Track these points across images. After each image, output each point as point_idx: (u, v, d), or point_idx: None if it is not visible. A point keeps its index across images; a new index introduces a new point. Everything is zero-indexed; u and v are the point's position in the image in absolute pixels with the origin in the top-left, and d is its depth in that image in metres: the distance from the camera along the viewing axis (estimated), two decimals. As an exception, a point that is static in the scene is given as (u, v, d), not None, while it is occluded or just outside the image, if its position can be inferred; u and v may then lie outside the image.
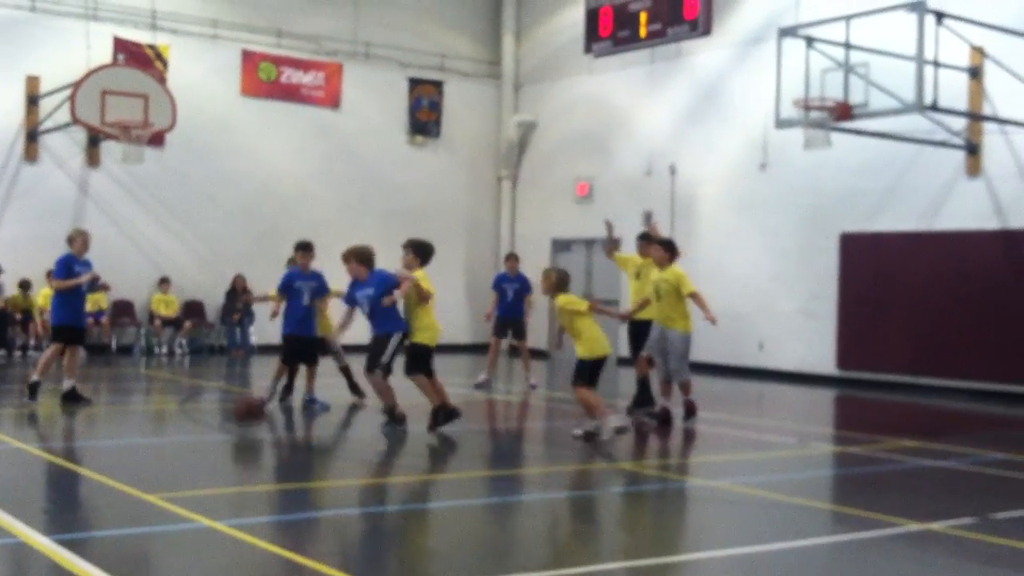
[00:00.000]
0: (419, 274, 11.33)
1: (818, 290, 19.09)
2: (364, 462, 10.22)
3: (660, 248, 12.82)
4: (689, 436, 12.07)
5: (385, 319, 11.24)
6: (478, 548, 7.05)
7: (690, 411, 12.65)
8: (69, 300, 13.02)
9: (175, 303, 21.48)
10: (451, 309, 23.54)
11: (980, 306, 16.92)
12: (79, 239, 13.13)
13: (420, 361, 11.29)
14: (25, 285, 20.01)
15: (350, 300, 11.54)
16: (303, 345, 13.16)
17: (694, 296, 12.56)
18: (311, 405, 13.09)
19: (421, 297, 11.22)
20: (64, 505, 8.11)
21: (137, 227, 21.36)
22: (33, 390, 12.94)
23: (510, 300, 16.35)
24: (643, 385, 13.67)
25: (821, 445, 11.92)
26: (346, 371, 13.99)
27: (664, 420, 12.51)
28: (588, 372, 11.08)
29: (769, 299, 19.90)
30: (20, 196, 20.18)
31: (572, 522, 8.12)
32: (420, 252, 11.57)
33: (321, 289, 13.29)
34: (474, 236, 24.91)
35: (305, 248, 13.39)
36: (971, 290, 17.02)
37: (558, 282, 11.29)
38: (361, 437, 11.84)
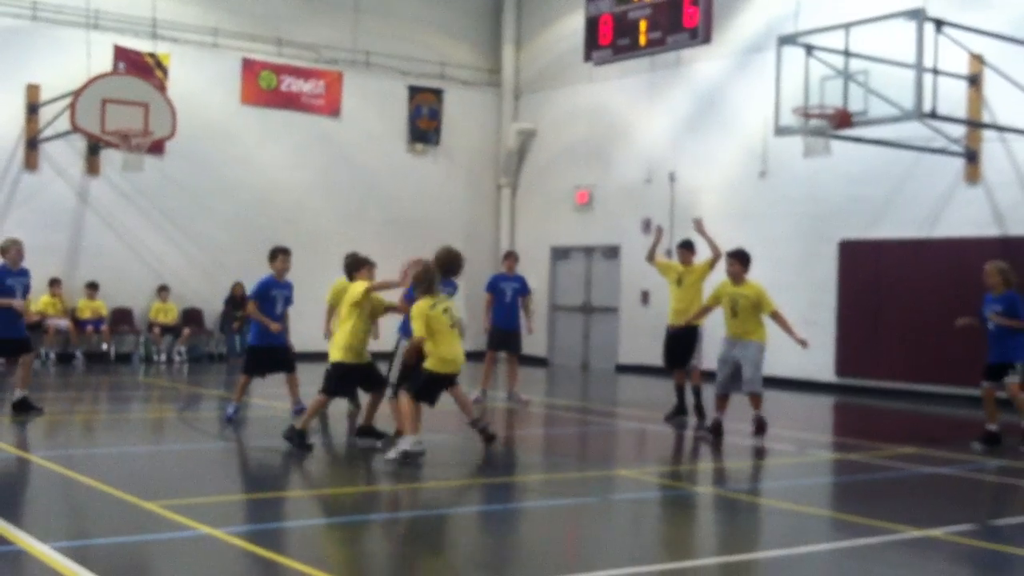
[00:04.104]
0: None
1: (817, 297, 19.08)
2: (367, 469, 10.20)
3: (737, 261, 12.16)
4: (687, 443, 12.06)
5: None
6: (472, 556, 7.06)
7: (760, 428, 12.07)
8: (4, 313, 12.50)
9: (174, 311, 21.47)
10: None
11: (979, 314, 16.88)
12: (12, 249, 12.66)
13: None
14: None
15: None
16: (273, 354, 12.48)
17: (776, 316, 12.06)
18: (299, 415, 12.66)
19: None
20: (64, 513, 8.09)
21: (136, 235, 21.37)
22: None
23: (508, 301, 15.41)
24: (680, 393, 13.49)
25: (820, 452, 11.92)
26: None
27: (716, 432, 12.07)
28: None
29: (768, 307, 19.84)
30: (20, 204, 20.17)
31: (568, 529, 8.10)
32: None
33: (291, 299, 12.78)
34: (474, 244, 24.81)
35: (285, 253, 12.74)
36: (970, 298, 16.94)
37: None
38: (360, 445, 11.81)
